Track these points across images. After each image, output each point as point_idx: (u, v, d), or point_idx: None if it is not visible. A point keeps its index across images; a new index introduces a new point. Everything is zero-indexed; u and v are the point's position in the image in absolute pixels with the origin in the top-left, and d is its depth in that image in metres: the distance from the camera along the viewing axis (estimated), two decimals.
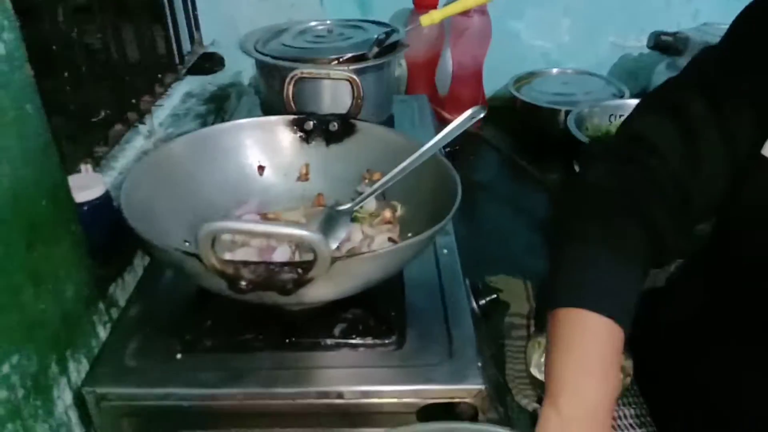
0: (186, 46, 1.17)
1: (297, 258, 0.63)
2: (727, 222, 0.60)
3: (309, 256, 0.49)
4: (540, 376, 0.72)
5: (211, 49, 1.25)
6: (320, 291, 0.53)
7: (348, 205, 0.68)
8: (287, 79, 0.76)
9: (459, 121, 0.70)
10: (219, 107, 1.11)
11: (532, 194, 1.15)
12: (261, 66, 0.93)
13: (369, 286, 0.58)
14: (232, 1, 1.27)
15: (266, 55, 0.90)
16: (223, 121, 1.08)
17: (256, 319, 0.61)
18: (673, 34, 1.23)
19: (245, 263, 0.49)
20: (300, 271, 0.49)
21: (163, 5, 1.10)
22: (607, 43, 1.40)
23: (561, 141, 1.18)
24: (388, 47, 0.92)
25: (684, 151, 0.56)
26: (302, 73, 0.76)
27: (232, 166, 0.75)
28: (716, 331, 0.64)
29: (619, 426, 0.70)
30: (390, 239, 0.67)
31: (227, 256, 0.62)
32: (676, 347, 0.68)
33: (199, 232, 0.46)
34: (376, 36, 0.90)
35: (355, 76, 0.75)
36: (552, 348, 0.52)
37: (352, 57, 0.89)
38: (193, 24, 1.18)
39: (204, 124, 1.04)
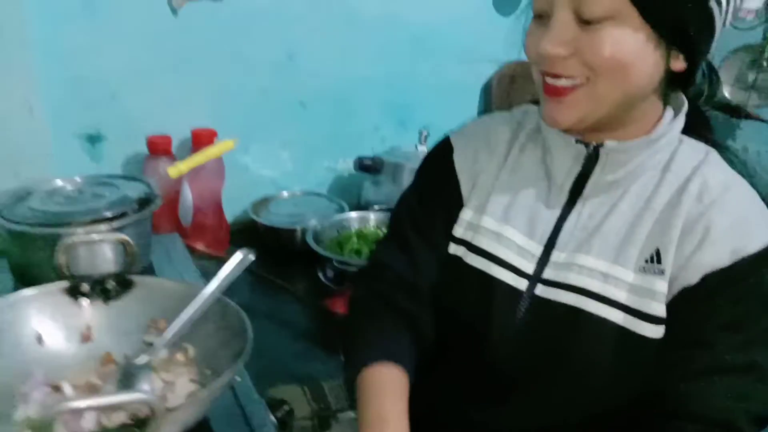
0: None
1: (104, 420, 0.67)
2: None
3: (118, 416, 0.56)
4: None
5: None
6: None
7: (145, 358, 0.75)
8: (60, 247, 0.79)
9: (232, 267, 0.83)
10: None
11: (287, 305, 1.30)
12: (14, 233, 0.92)
13: (187, 428, 0.65)
14: None
15: (19, 222, 0.91)
16: None
17: None
18: (371, 158, 1.56)
19: None
20: (137, 429, 0.56)
21: None
22: (322, 168, 1.68)
23: (302, 254, 1.38)
24: (144, 201, 1.01)
25: (407, 263, 0.80)
26: (75, 240, 0.80)
27: (8, 342, 0.75)
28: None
29: None
30: (192, 380, 0.75)
31: None
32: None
33: (46, 415, 0.50)
34: (134, 194, 0.98)
35: (129, 238, 0.83)
36: (359, 407, 0.69)
37: (112, 216, 0.95)
38: None
39: None
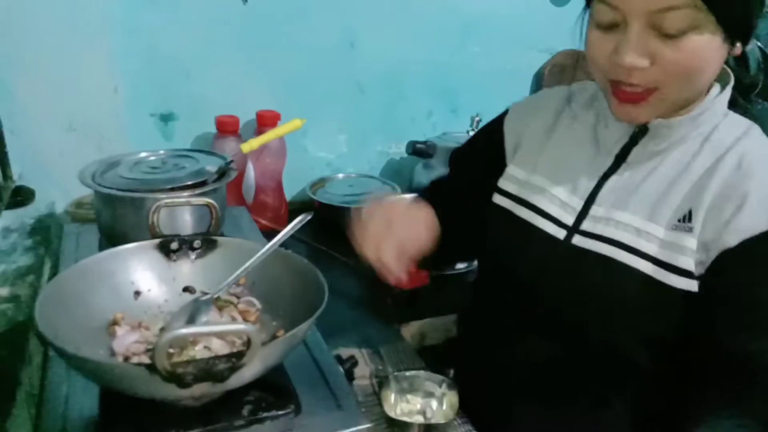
0: None
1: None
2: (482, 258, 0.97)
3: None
4: (392, 415, 0.91)
5: (18, 183, 1.26)
6: (244, 375, 0.66)
7: (210, 293, 0.83)
8: (152, 209, 0.88)
9: (292, 226, 0.90)
10: (45, 238, 1.14)
11: (343, 277, 1.37)
12: (105, 197, 1.02)
13: (269, 369, 0.72)
14: (38, 133, 1.30)
15: (111, 188, 1.00)
16: (48, 251, 1.12)
17: (170, 417, 0.71)
18: (424, 143, 1.62)
19: (188, 362, 0.62)
20: (234, 360, 0.63)
21: None
22: (375, 152, 1.74)
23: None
24: (221, 173, 1.09)
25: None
26: (166, 202, 0.89)
27: (108, 288, 0.84)
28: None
29: None
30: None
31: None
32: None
33: (159, 341, 0.58)
34: (215, 165, 1.07)
35: (214, 202, 0.91)
36: None
37: (193, 183, 1.04)
38: (4, 160, 1.19)
39: (37, 257, 1.07)
